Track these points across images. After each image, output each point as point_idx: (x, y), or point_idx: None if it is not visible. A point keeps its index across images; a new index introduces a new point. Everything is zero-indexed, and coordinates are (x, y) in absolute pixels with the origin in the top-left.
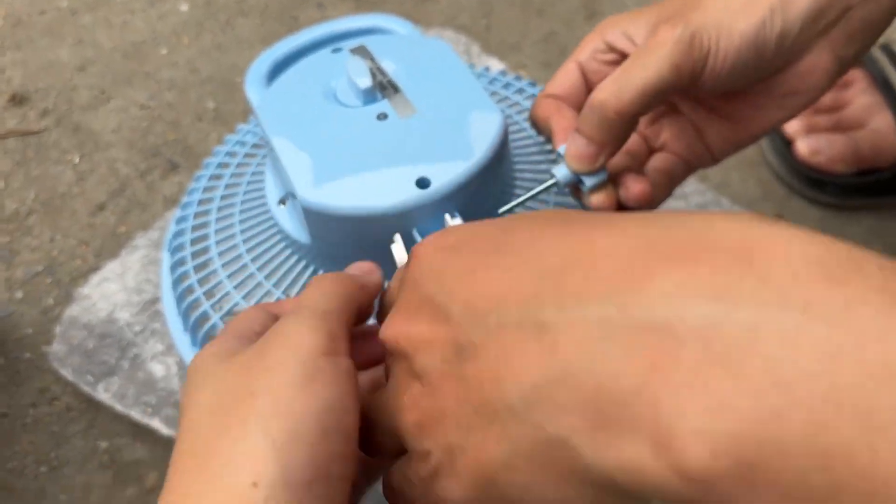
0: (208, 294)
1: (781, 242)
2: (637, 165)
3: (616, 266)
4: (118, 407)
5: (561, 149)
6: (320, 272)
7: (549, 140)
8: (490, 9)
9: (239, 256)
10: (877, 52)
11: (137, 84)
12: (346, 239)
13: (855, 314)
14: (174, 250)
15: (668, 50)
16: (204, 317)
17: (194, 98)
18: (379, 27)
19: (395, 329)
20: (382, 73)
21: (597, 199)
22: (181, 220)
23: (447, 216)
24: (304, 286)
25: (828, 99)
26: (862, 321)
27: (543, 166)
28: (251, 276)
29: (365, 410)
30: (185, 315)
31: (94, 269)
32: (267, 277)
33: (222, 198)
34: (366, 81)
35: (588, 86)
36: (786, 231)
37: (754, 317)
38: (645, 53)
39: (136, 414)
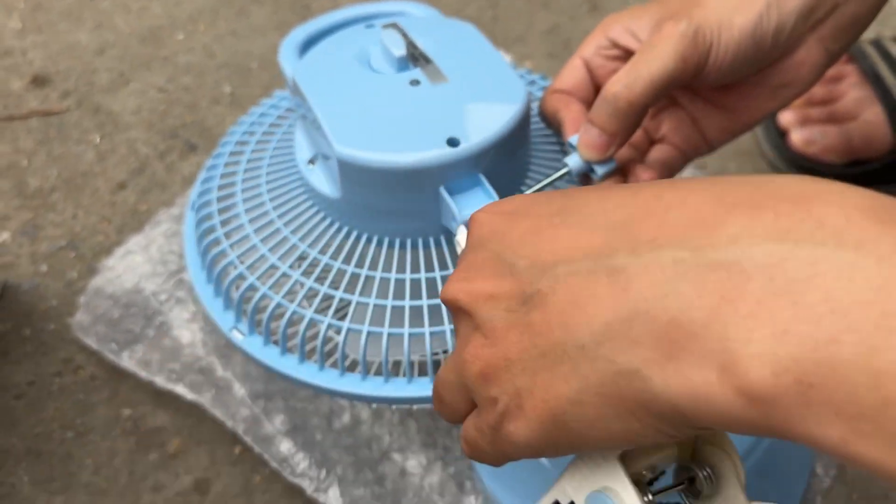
0: (235, 246)
1: (835, 193)
2: (640, 157)
3: (687, 215)
4: (142, 374)
5: (572, 139)
6: (345, 229)
7: (557, 132)
8: (496, 1)
9: (265, 213)
10: (867, 48)
11: (155, 68)
12: (377, 193)
13: None
14: (200, 207)
15: (674, 43)
16: (230, 266)
17: (211, 82)
18: (407, 12)
19: (456, 286)
20: (414, 45)
21: (644, 176)
22: (207, 180)
23: (493, 191)
24: (328, 242)
25: (821, 92)
26: None
27: (552, 153)
28: (277, 230)
29: (436, 379)
30: (209, 267)
31: (117, 244)
32: (293, 232)
33: (249, 160)
34: (400, 50)
35: (593, 80)
36: (838, 185)
37: (813, 254)
38: (652, 48)
39: (160, 380)
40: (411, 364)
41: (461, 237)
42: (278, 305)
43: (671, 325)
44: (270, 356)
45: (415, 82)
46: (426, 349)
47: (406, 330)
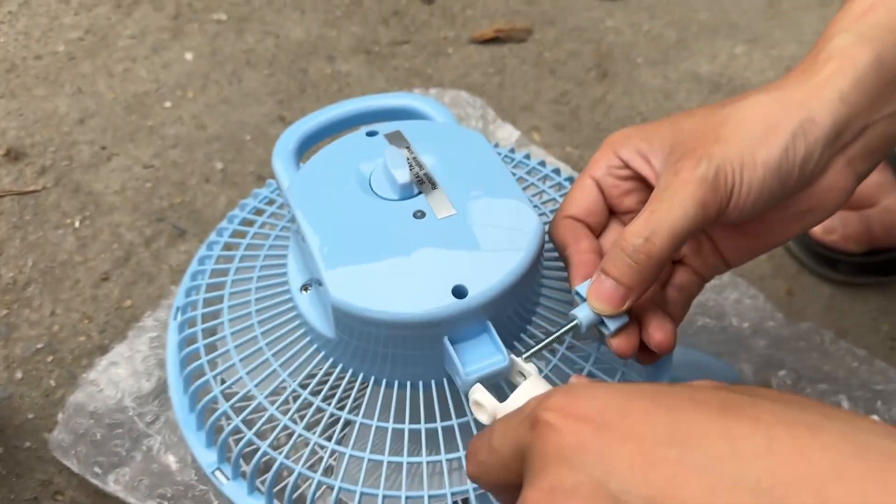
0: (220, 378)
1: None
2: (660, 286)
3: (848, 497)
4: (130, 500)
5: (580, 288)
6: (339, 366)
7: (565, 267)
8: (502, 66)
9: (254, 339)
10: None
11: (140, 140)
12: (375, 339)
13: None
14: (183, 325)
15: (693, 190)
16: (213, 402)
17: (201, 157)
18: (413, 108)
19: None
20: (420, 164)
21: (618, 343)
22: (192, 290)
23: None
24: (321, 380)
25: None
26: None
27: (562, 282)
28: (266, 362)
29: None
30: (192, 397)
31: (99, 347)
32: (282, 366)
33: (237, 271)
34: (404, 176)
35: (606, 201)
36: None
37: None
38: (672, 195)
39: None
40: None
41: (481, 397)
42: (265, 454)
43: None
44: None
45: (419, 214)
46: None
47: (403, 493)
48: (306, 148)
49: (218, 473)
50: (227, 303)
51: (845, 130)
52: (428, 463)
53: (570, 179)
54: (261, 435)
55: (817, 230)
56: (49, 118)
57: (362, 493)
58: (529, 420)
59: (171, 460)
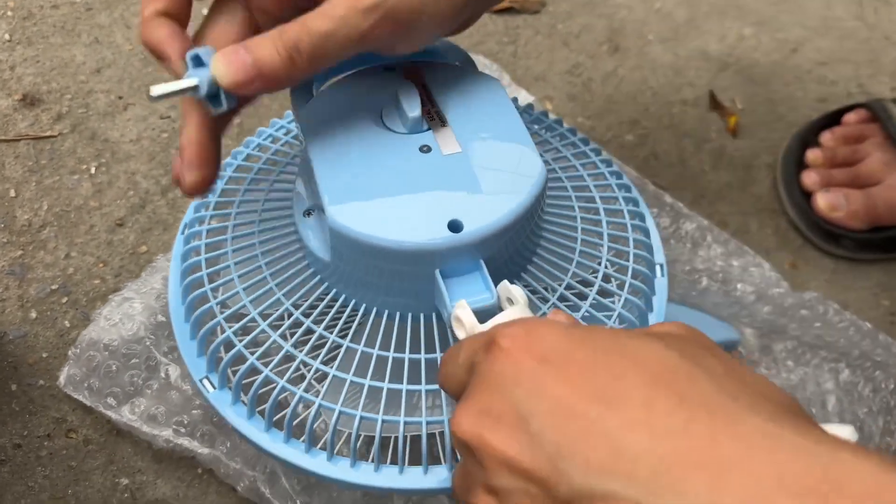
0: (219, 290)
1: None
2: None
3: (744, 491)
4: (145, 429)
5: (201, 52)
6: (332, 292)
7: (163, 64)
8: (516, 36)
9: (254, 258)
10: (891, 107)
11: None
12: (368, 266)
13: None
14: (189, 238)
15: (359, 19)
16: (216, 327)
17: None
18: (434, 49)
19: (468, 424)
20: (432, 102)
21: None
22: (200, 206)
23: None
24: (315, 302)
25: (844, 152)
26: None
27: (565, 226)
28: (263, 280)
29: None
30: (194, 324)
31: (113, 290)
32: (279, 286)
33: (246, 192)
34: (415, 111)
35: None
36: None
37: None
38: (333, 10)
39: (167, 434)
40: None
41: (462, 313)
42: (252, 367)
43: None
44: (236, 416)
45: (425, 148)
46: (399, 434)
47: (380, 417)
48: (323, 81)
49: (205, 382)
50: (232, 221)
51: None
52: (427, 392)
53: (585, 140)
54: (252, 349)
55: (823, 206)
56: (66, 66)
57: (362, 417)
58: (486, 340)
59: (188, 387)
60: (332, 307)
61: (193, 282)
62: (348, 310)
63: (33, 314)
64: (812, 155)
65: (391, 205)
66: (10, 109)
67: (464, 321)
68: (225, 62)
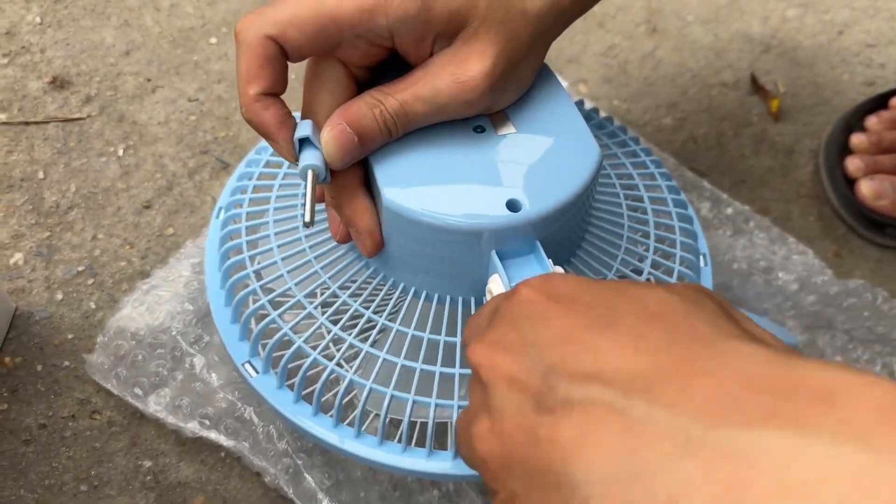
0: (260, 274)
1: (864, 387)
2: None
3: (712, 389)
4: (170, 420)
5: (306, 133)
6: (381, 275)
7: (270, 144)
8: None
9: (297, 241)
10: None
11: (185, 74)
12: (423, 248)
13: None
14: (226, 221)
15: (466, 103)
16: (252, 295)
17: None
18: None
19: (481, 354)
20: None
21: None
22: (237, 190)
23: (549, 262)
24: (362, 286)
25: (891, 137)
26: None
27: (611, 205)
28: (307, 263)
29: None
30: (229, 291)
31: (140, 273)
32: (324, 269)
33: (284, 175)
34: None
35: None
36: (869, 378)
37: (829, 453)
38: (435, 88)
39: (192, 427)
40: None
41: (494, 286)
42: (299, 349)
43: (670, 502)
44: (283, 400)
45: (479, 129)
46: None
47: (433, 400)
48: None
49: (247, 366)
50: (272, 205)
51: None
52: (461, 375)
53: (623, 129)
54: (295, 331)
55: (867, 194)
56: (95, 49)
57: (392, 396)
58: (510, 291)
59: (213, 378)
60: (379, 290)
61: (234, 264)
62: (397, 293)
63: (59, 295)
64: (857, 140)
65: (448, 185)
66: (39, 92)
67: (495, 293)
68: (335, 145)
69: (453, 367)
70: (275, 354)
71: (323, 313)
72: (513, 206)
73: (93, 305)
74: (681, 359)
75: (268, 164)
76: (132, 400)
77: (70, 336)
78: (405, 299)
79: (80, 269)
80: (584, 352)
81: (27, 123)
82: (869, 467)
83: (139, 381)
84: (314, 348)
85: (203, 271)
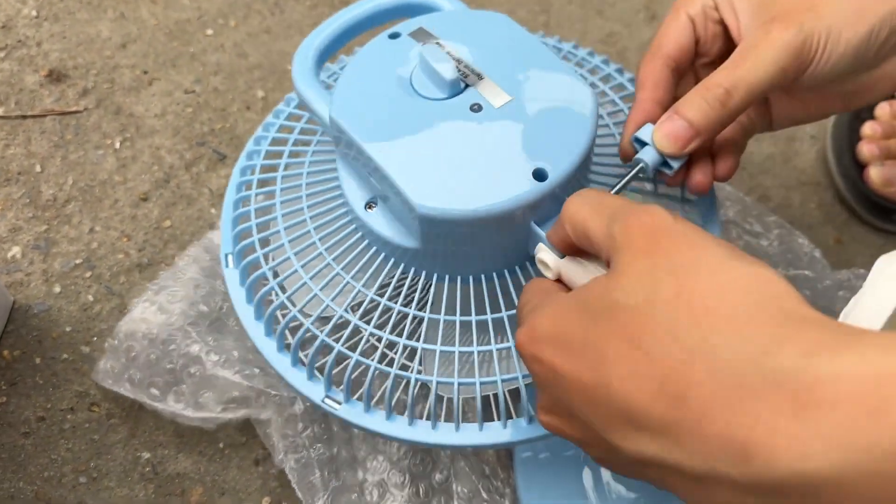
0: (303, 312)
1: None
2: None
3: (717, 430)
4: (189, 413)
5: (641, 133)
6: (412, 269)
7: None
8: (548, 4)
9: (320, 256)
10: None
11: (182, 66)
12: (464, 240)
13: None
14: (241, 253)
15: (779, 54)
16: (311, 339)
17: (242, 85)
18: (421, 3)
19: (545, 420)
20: (457, 58)
21: (698, 180)
22: (239, 217)
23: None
24: (398, 286)
25: None
26: None
27: (607, 144)
28: (337, 277)
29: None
30: (280, 335)
31: (137, 265)
32: (356, 278)
33: (284, 201)
34: (451, 71)
35: (697, 42)
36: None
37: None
38: (757, 54)
39: (220, 414)
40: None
41: (544, 255)
42: (376, 370)
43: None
44: (375, 422)
45: (476, 107)
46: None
47: (477, 379)
48: (324, 60)
49: (329, 401)
50: (285, 238)
51: None
52: (497, 350)
53: (606, 61)
54: (348, 345)
55: (876, 180)
56: (91, 42)
57: (438, 383)
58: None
59: (233, 371)
60: (415, 285)
61: (265, 296)
62: (421, 282)
63: (57, 288)
64: (869, 128)
65: (472, 175)
66: (36, 85)
67: (548, 262)
68: (663, 134)
69: (503, 341)
70: (334, 371)
71: (367, 320)
72: (539, 175)
73: (91, 298)
74: (699, 394)
75: (268, 156)
76: (149, 401)
77: (68, 329)
78: (431, 288)
79: (77, 261)
80: (601, 402)
81: (24, 117)
82: None
83: (154, 380)
84: (369, 357)
85: (211, 276)
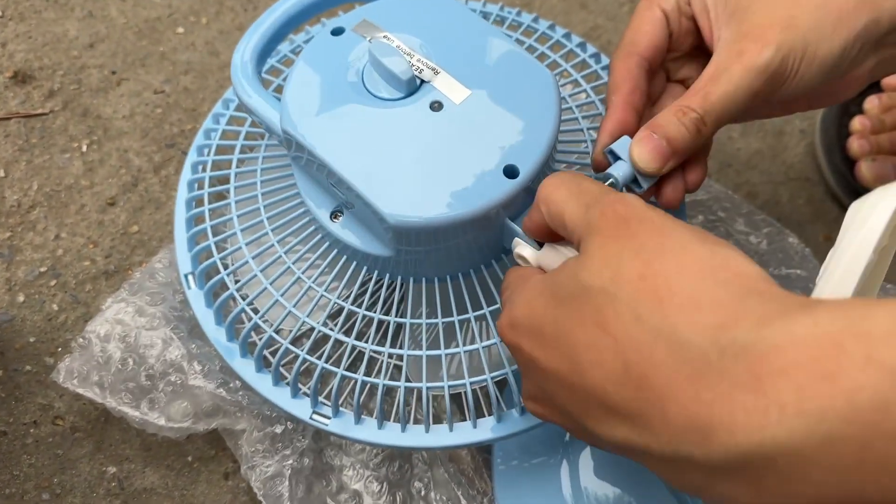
0: (273, 327)
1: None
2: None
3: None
4: (162, 422)
5: (616, 147)
6: (387, 276)
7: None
8: None
9: (289, 271)
10: None
11: (151, 66)
12: (438, 243)
13: None
14: (209, 292)
15: (753, 80)
16: (271, 344)
17: (214, 84)
18: None
19: (530, 405)
20: (409, 52)
21: (669, 196)
22: (195, 237)
23: (517, 241)
24: (374, 292)
25: (891, 120)
26: None
27: (571, 114)
28: (310, 291)
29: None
30: (258, 358)
31: (104, 272)
32: (329, 290)
33: (244, 212)
34: (405, 69)
35: (669, 37)
36: None
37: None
38: (729, 78)
39: (187, 425)
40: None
41: (522, 250)
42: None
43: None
44: (368, 432)
45: (436, 105)
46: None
47: (467, 380)
48: (266, 57)
49: (317, 417)
50: (248, 255)
51: (892, 32)
52: (484, 348)
53: (568, 36)
54: (317, 354)
55: (867, 175)
56: (58, 42)
57: (428, 388)
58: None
59: (199, 383)
60: (391, 289)
61: (236, 317)
62: (410, 286)
63: (21, 298)
64: (859, 123)
65: (441, 177)
66: (0, 87)
67: (527, 255)
68: (641, 150)
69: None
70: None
71: (346, 330)
72: (511, 172)
73: (56, 307)
74: (649, 376)
75: (218, 149)
76: (120, 406)
77: (32, 339)
78: (410, 288)
79: (42, 269)
80: (578, 388)
81: None
82: None
83: (129, 387)
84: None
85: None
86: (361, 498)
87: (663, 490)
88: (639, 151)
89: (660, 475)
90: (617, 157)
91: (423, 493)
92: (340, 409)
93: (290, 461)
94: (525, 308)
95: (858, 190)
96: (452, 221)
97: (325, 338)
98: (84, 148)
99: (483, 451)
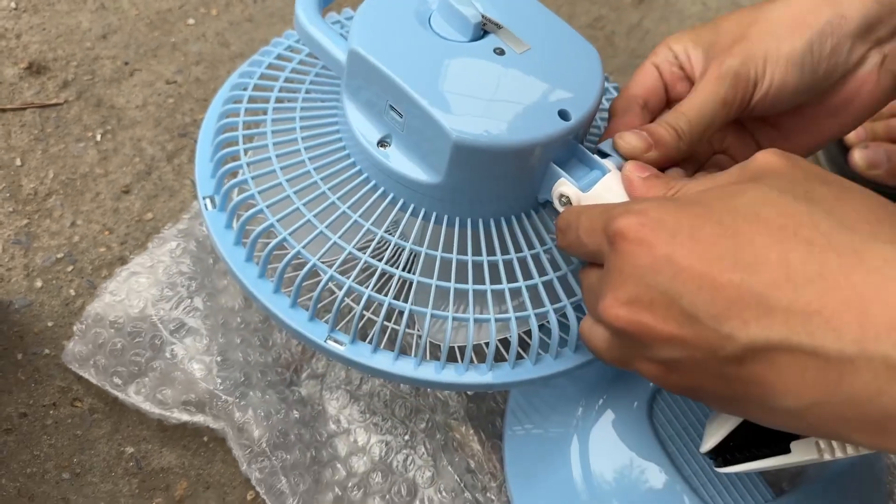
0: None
1: None
2: (699, 167)
3: (889, 311)
4: (148, 408)
5: (603, 145)
6: (423, 211)
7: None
8: None
9: (333, 205)
10: None
11: (163, 56)
12: (487, 175)
13: None
14: (225, 196)
15: (715, 88)
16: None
17: (224, 74)
18: None
19: (620, 314)
20: (475, 7)
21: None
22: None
23: (596, 157)
24: (390, 225)
25: (886, 107)
26: None
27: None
28: (353, 222)
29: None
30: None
31: (119, 259)
32: (369, 221)
33: (277, 132)
34: (476, 15)
35: (664, 84)
36: None
37: None
38: (699, 91)
39: (176, 414)
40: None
41: (565, 188)
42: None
43: (886, 419)
44: (383, 361)
45: (499, 51)
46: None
47: (471, 315)
48: (327, 2)
49: (331, 342)
50: (282, 177)
51: (878, 26)
52: (493, 291)
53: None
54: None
55: (860, 162)
56: (71, 33)
57: (432, 315)
58: (607, 235)
59: (194, 368)
60: (421, 228)
61: (258, 236)
62: (443, 227)
63: (39, 283)
64: None
65: (501, 108)
66: (15, 78)
67: (570, 195)
68: (623, 135)
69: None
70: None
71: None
72: (564, 115)
73: (72, 293)
74: (839, 283)
75: (247, 129)
76: (112, 389)
77: (50, 324)
78: (442, 230)
79: (59, 256)
80: (743, 298)
81: (3, 110)
82: None
83: (118, 370)
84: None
85: (184, 252)
86: (368, 485)
87: (670, 467)
88: (622, 136)
89: (796, 397)
90: (606, 156)
91: (428, 480)
92: (357, 341)
93: (283, 456)
94: (656, 212)
95: (853, 178)
96: (510, 145)
97: (351, 266)
98: (98, 137)
99: (493, 437)
